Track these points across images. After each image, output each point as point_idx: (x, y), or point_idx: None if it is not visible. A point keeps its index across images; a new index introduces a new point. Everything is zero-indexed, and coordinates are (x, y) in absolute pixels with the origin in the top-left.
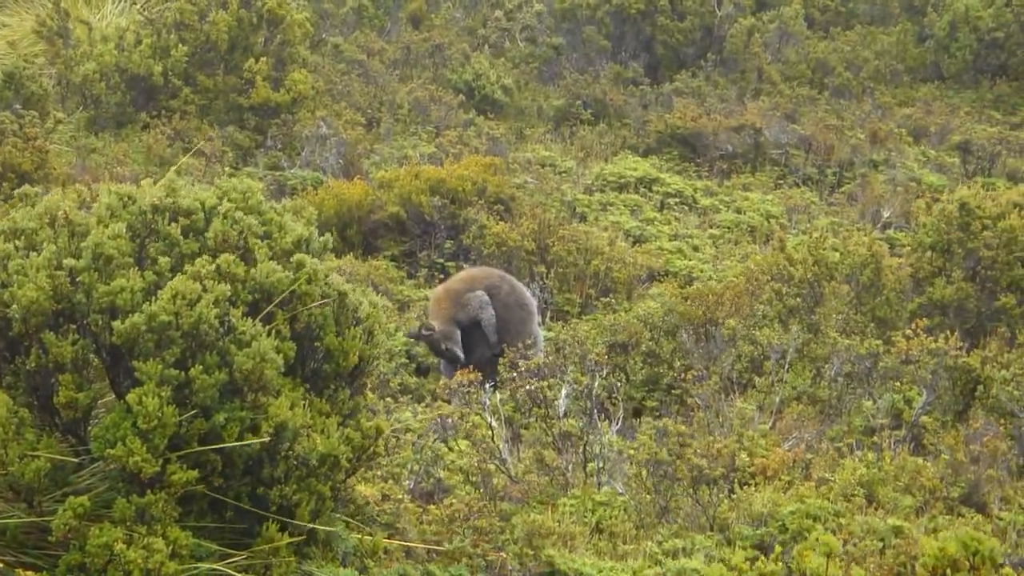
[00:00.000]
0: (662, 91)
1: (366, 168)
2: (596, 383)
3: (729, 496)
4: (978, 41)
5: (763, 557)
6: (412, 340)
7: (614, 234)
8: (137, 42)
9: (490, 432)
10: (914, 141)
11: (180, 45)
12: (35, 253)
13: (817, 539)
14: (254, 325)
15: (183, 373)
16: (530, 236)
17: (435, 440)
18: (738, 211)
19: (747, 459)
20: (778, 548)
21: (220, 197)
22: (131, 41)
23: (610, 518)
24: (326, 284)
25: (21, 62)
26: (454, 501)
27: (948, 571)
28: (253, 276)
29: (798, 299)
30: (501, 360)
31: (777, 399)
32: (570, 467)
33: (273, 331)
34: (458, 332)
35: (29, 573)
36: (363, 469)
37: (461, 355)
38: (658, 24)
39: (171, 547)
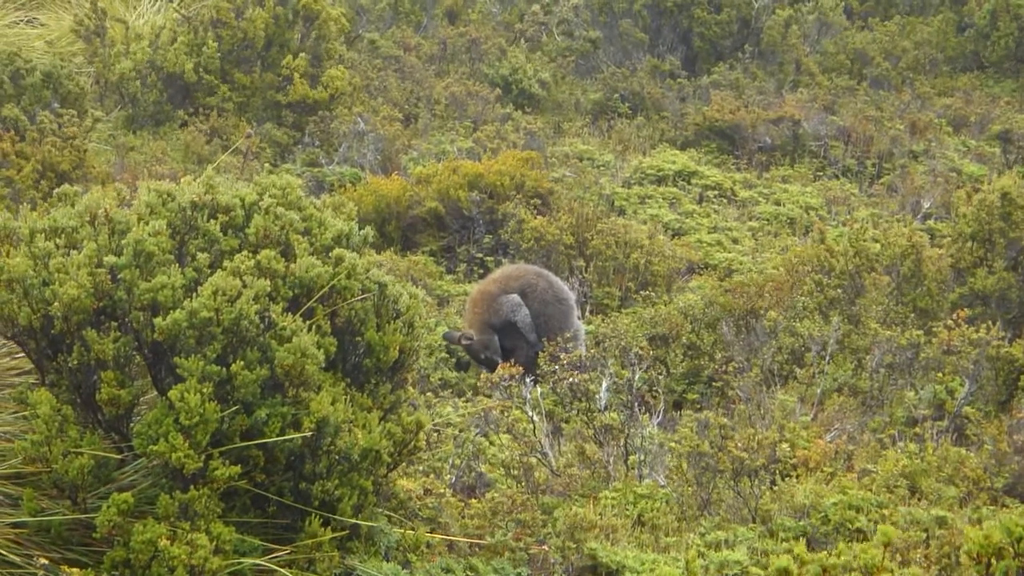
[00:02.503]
0: (700, 84)
1: (404, 164)
2: (637, 376)
3: (771, 488)
4: (1019, 30)
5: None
6: (450, 343)
7: (653, 227)
8: (172, 40)
9: (531, 426)
10: (954, 131)
11: (212, 42)
12: (76, 251)
13: (878, 530)
14: (295, 320)
15: (224, 369)
16: (568, 230)
17: (476, 434)
18: (777, 203)
19: (789, 451)
20: (840, 544)
21: (260, 193)
22: (167, 39)
23: (652, 511)
24: (366, 278)
25: (59, 61)
26: (496, 495)
27: (992, 559)
28: (293, 272)
29: (839, 290)
30: (541, 354)
31: (818, 391)
32: (611, 460)
33: (314, 326)
34: (495, 339)
35: (74, 570)
36: (405, 464)
37: (500, 361)
38: (695, 17)
39: (215, 543)
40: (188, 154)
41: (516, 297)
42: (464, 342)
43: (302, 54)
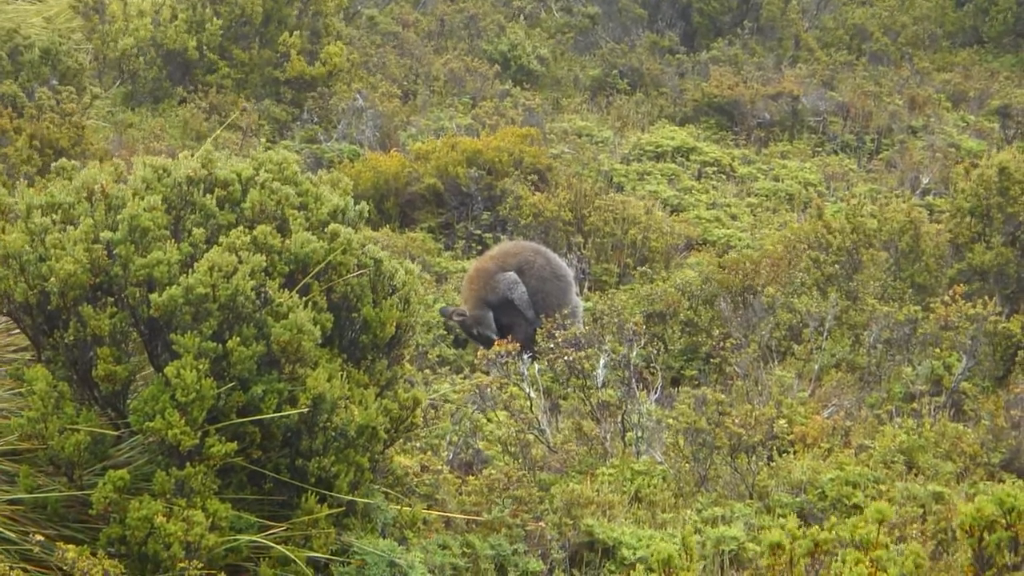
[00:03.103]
0: (699, 60)
1: (402, 140)
2: (634, 353)
3: (768, 464)
4: (1018, 4)
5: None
6: (445, 318)
7: (651, 203)
8: (173, 17)
9: (528, 402)
10: (953, 106)
11: (215, 19)
12: (72, 227)
13: (870, 507)
14: (291, 296)
15: (220, 345)
16: (567, 206)
17: (474, 411)
18: (776, 179)
19: (786, 427)
20: (832, 519)
21: (256, 168)
22: (167, 16)
23: (649, 487)
24: (362, 254)
25: (57, 37)
26: (493, 471)
27: (985, 533)
28: (289, 247)
29: (836, 266)
30: (539, 331)
31: (816, 367)
32: (608, 436)
33: (310, 302)
34: (490, 314)
35: (70, 546)
36: (401, 440)
37: (494, 337)
38: None
39: (211, 519)
40: (187, 131)
41: (513, 274)
42: (456, 318)
43: (300, 31)
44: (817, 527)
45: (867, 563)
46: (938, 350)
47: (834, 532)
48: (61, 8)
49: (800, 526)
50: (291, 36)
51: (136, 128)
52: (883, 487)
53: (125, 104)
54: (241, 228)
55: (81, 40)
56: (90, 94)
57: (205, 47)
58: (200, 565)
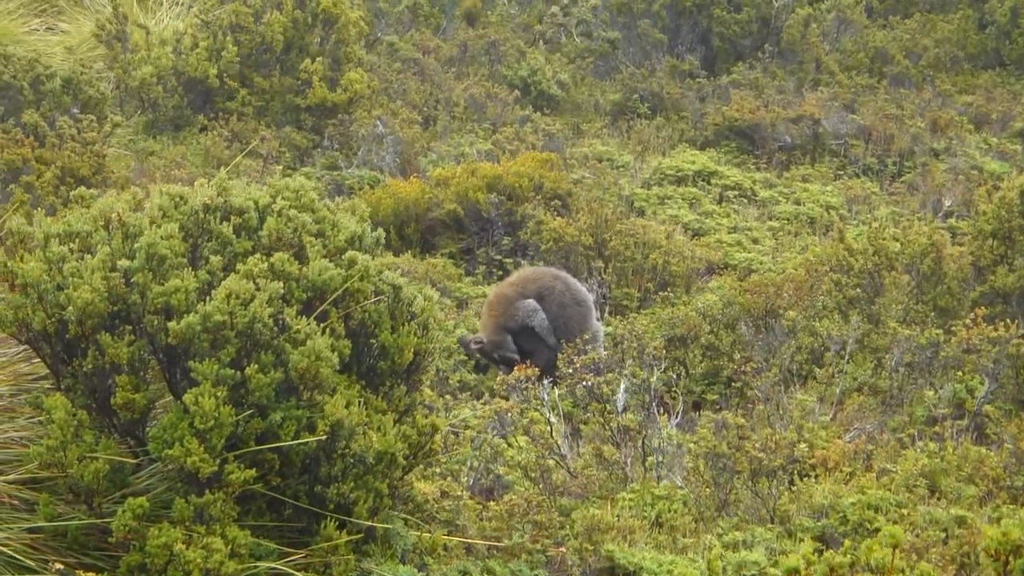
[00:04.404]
0: (719, 83)
1: (423, 166)
2: (655, 377)
3: (789, 488)
4: None
5: (828, 549)
6: (463, 347)
7: (672, 227)
8: (194, 45)
9: (549, 428)
10: (975, 129)
11: (232, 47)
12: (90, 255)
13: (882, 531)
14: (308, 323)
15: (239, 373)
16: (587, 231)
17: (494, 436)
18: (797, 203)
19: (807, 451)
20: (847, 543)
21: (273, 195)
22: (188, 44)
23: (669, 512)
24: (380, 280)
25: (79, 67)
26: (513, 497)
27: (1010, 557)
28: (306, 274)
29: (858, 289)
30: (560, 355)
31: (837, 390)
32: (629, 461)
33: (327, 329)
34: (509, 338)
35: (90, 574)
36: (421, 466)
37: (516, 358)
38: (714, 16)
39: (230, 546)
40: (208, 159)
41: (532, 302)
42: (474, 347)
43: (321, 58)
44: (831, 552)
45: None
46: (960, 373)
47: (849, 556)
48: (83, 37)
49: (817, 550)
50: (312, 63)
51: (157, 156)
52: (905, 511)
53: (146, 132)
54: (258, 255)
55: (103, 69)
56: (111, 122)
57: (226, 75)
58: None
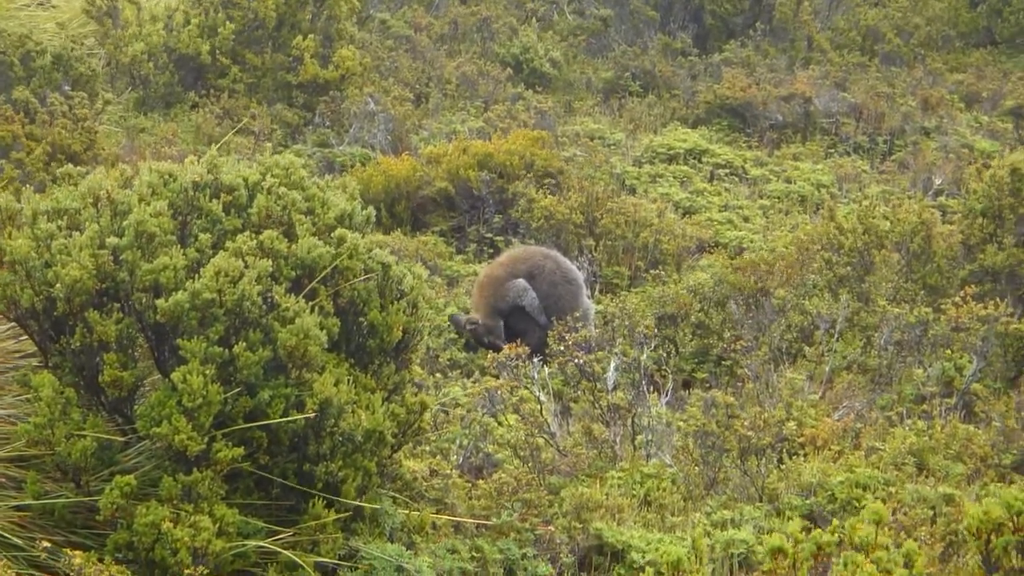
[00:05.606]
0: (711, 61)
1: (414, 144)
2: (645, 355)
3: (778, 466)
4: None
5: (817, 527)
6: (456, 326)
7: (663, 206)
8: (186, 22)
9: (539, 406)
10: (966, 107)
11: (228, 23)
12: (78, 232)
13: (866, 508)
14: (297, 301)
15: (227, 351)
16: (578, 209)
17: (484, 414)
18: (788, 181)
19: (796, 429)
20: (835, 522)
21: (263, 173)
22: (180, 21)
23: (658, 490)
24: (369, 258)
25: (70, 43)
26: (503, 475)
27: (992, 535)
28: (295, 252)
29: (848, 268)
30: (550, 334)
31: (827, 369)
32: (618, 440)
33: (316, 307)
34: (500, 323)
35: (77, 552)
36: (411, 444)
37: (503, 346)
38: None
39: (218, 525)
40: (199, 135)
41: (522, 282)
42: (469, 327)
43: (312, 34)
44: (819, 530)
45: (867, 564)
46: (949, 352)
47: (836, 535)
48: (74, 13)
49: (805, 528)
50: (304, 40)
51: (148, 133)
52: (893, 489)
53: (137, 109)
54: (247, 233)
55: (94, 45)
56: (102, 99)
57: (218, 51)
58: (207, 570)
